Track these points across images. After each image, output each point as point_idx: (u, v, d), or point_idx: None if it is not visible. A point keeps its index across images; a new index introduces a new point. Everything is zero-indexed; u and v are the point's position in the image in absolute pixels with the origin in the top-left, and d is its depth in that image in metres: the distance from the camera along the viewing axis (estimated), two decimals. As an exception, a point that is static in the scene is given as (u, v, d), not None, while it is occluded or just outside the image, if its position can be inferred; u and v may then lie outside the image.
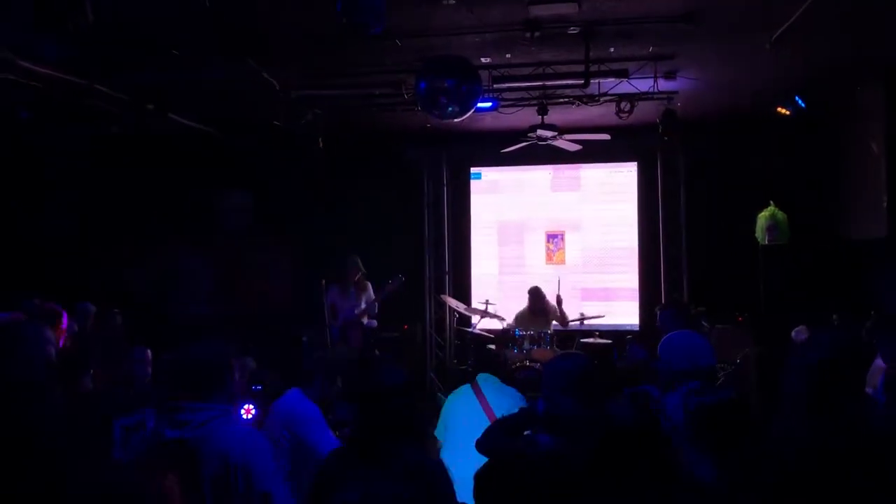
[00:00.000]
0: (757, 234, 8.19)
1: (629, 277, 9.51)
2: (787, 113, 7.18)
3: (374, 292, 8.00)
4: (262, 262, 9.70)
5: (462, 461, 3.20)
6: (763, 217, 8.12)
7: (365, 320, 7.91)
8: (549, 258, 9.70)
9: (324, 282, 7.83)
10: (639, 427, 2.29)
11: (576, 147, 7.81)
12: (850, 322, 5.56)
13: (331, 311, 7.84)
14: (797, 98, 7.05)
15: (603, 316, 8.26)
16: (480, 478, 2.45)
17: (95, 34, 5.38)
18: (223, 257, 9.72)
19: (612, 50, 6.09)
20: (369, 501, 2.38)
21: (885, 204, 7.06)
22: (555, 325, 8.00)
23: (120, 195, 9.34)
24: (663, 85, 6.77)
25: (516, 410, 2.98)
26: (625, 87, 6.79)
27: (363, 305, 7.92)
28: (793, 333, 7.06)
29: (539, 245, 9.74)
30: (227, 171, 9.50)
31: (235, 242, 9.68)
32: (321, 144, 7.65)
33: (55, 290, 5.87)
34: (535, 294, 8.09)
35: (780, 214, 8.05)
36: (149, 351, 5.18)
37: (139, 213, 9.38)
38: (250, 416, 6.67)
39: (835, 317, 5.15)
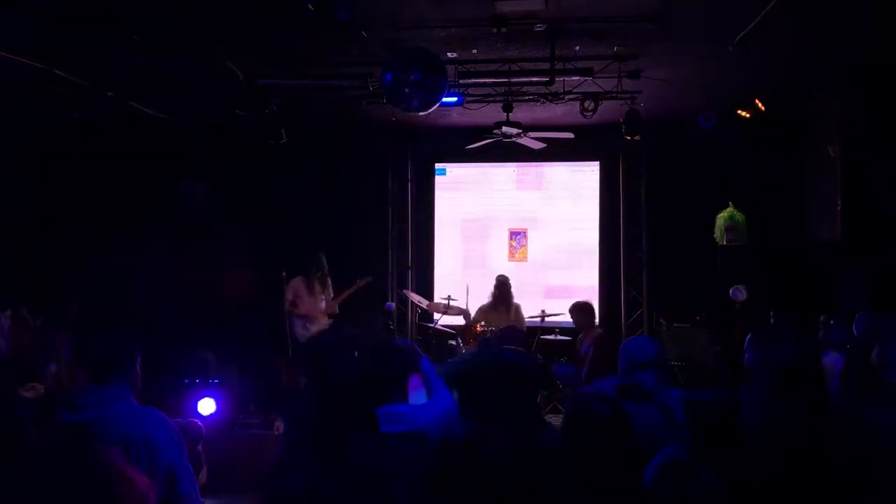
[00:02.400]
0: (716, 235, 8.32)
1: (590, 275, 9.60)
2: (748, 116, 7.31)
3: (335, 290, 7.99)
4: (223, 253, 9.58)
5: None
6: (722, 218, 8.26)
7: (325, 318, 7.91)
8: (512, 255, 9.75)
9: (284, 274, 7.78)
10: (609, 419, 2.30)
11: (540, 145, 7.85)
12: (806, 322, 5.67)
13: (292, 304, 7.81)
14: (757, 102, 7.18)
15: (563, 314, 8.31)
16: (436, 469, 2.44)
17: (54, 18, 5.29)
18: (183, 249, 9.58)
19: (577, 48, 6.13)
20: (315, 490, 2.35)
21: (839, 207, 7.22)
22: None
23: (77, 183, 9.14)
24: (627, 84, 6.83)
25: None
26: (589, 85, 6.84)
27: (323, 303, 7.90)
28: (731, 291, 7.22)
29: (502, 242, 9.79)
30: (188, 162, 9.36)
31: (196, 234, 9.54)
32: (284, 136, 7.56)
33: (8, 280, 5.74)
34: (502, 284, 8.11)
35: (739, 215, 8.20)
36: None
37: (97, 202, 9.20)
38: (209, 412, 6.61)
39: (823, 317, 5.26)
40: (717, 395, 2.60)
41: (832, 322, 5.07)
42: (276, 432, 6.80)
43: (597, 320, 7.26)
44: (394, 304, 7.94)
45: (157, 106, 7.97)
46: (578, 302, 7.13)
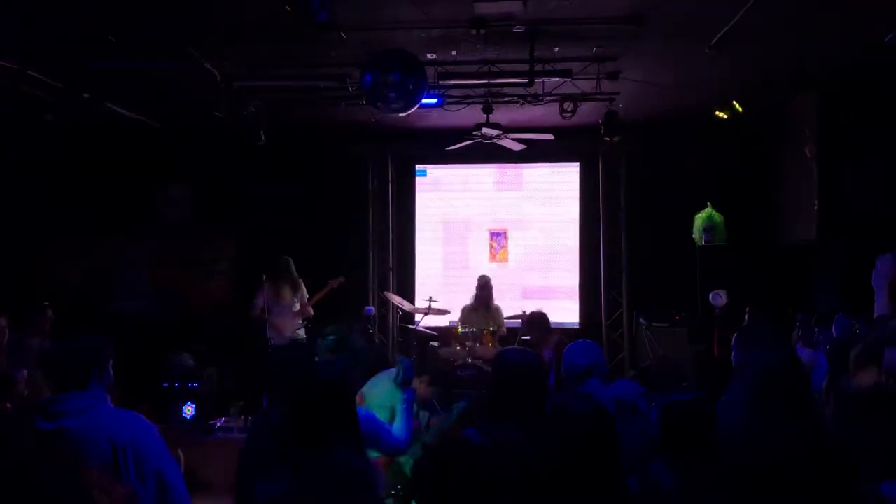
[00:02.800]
0: (694, 235, 8.37)
1: (570, 276, 9.63)
2: (725, 117, 7.37)
3: (312, 292, 7.96)
4: (202, 256, 9.53)
5: None
6: (700, 218, 8.31)
7: (299, 320, 7.89)
8: (493, 256, 9.76)
9: (264, 277, 7.75)
10: (590, 418, 2.30)
11: (520, 146, 7.86)
12: (781, 321, 5.71)
13: (262, 310, 7.75)
14: (734, 103, 7.23)
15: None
16: (420, 469, 2.43)
17: (27, 18, 5.23)
18: (161, 251, 9.51)
19: (556, 50, 6.14)
20: (292, 498, 2.34)
21: (815, 207, 7.29)
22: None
23: (54, 185, 9.06)
24: (606, 86, 6.85)
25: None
26: (569, 87, 6.86)
27: (296, 307, 7.86)
28: (710, 296, 7.26)
29: (483, 243, 9.79)
30: (165, 163, 9.30)
31: (174, 236, 9.48)
32: (263, 137, 7.52)
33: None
34: (484, 284, 8.12)
35: (717, 216, 8.25)
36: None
37: (74, 204, 9.11)
38: (189, 415, 6.55)
39: (800, 316, 5.30)
40: (691, 398, 2.61)
41: (807, 321, 5.11)
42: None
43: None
44: (373, 309, 7.91)
45: (133, 107, 7.89)
46: (532, 315, 6.92)
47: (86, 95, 7.06)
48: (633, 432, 2.94)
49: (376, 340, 8.18)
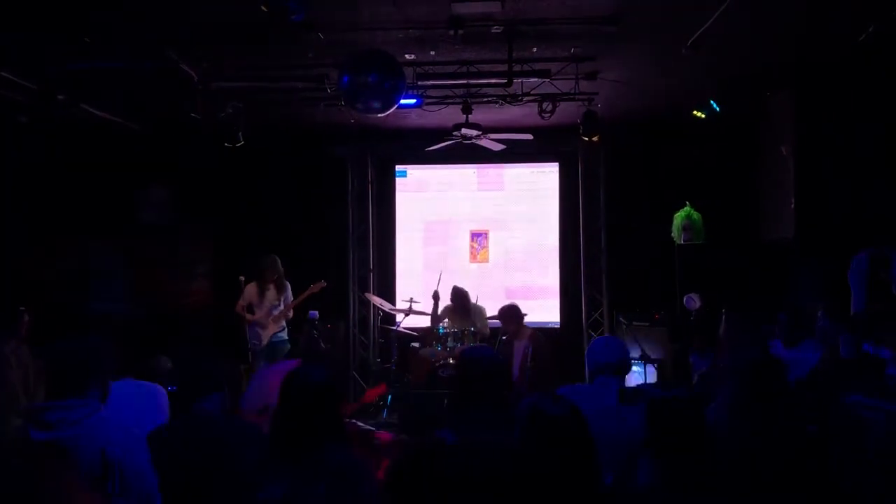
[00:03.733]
0: (673, 234, 8.42)
1: (551, 276, 9.66)
2: (703, 116, 7.42)
3: (292, 293, 7.91)
4: (182, 258, 9.46)
5: None
6: (679, 217, 8.36)
7: (282, 322, 7.84)
8: (474, 257, 9.77)
9: (243, 279, 7.69)
10: (566, 418, 2.31)
11: (499, 147, 7.87)
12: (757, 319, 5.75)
13: (245, 310, 7.70)
14: (712, 102, 7.29)
15: (525, 314, 8.34)
16: (395, 471, 2.43)
17: (1, 19, 5.16)
18: (140, 253, 9.43)
19: (534, 50, 6.16)
20: (292, 500, 2.34)
21: (792, 206, 7.36)
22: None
23: (30, 188, 8.95)
24: (585, 86, 6.88)
25: None
26: (547, 87, 6.88)
27: (281, 306, 7.81)
28: (684, 300, 7.32)
29: (463, 243, 9.80)
30: (143, 165, 9.21)
31: (153, 238, 9.40)
32: (241, 138, 7.47)
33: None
34: (457, 295, 8.10)
35: (696, 215, 8.30)
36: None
37: (51, 206, 9.01)
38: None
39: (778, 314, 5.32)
40: (681, 394, 2.61)
41: (790, 320, 5.14)
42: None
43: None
44: (316, 313, 7.85)
45: (110, 109, 7.82)
46: (504, 308, 7.14)
47: (60, 97, 6.98)
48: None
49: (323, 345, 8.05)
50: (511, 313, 7.09)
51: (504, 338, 7.28)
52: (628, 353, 3.68)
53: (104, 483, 2.53)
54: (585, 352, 3.72)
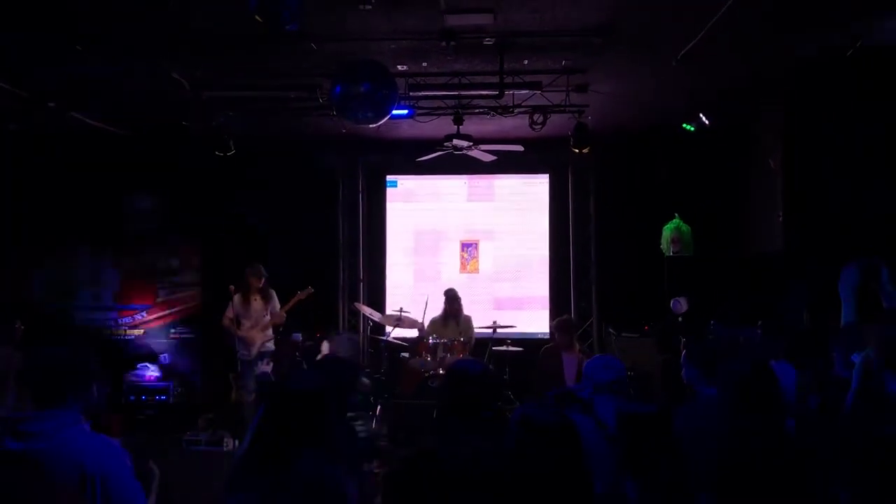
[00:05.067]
0: (662, 246, 8.45)
1: (540, 287, 9.67)
2: (692, 129, 7.47)
3: (280, 303, 7.87)
4: (170, 267, 9.42)
5: None
6: (668, 229, 8.39)
7: (269, 331, 7.80)
8: (464, 267, 9.77)
9: (232, 288, 7.66)
10: (557, 428, 2.31)
11: (490, 157, 7.90)
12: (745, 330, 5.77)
13: (232, 321, 7.64)
14: (701, 115, 7.35)
15: (514, 326, 8.37)
16: (391, 478, 2.43)
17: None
18: (128, 262, 9.39)
19: (526, 62, 6.20)
20: None
21: (780, 219, 7.41)
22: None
23: (19, 196, 8.92)
24: (575, 98, 6.92)
25: None
26: (538, 99, 6.92)
27: (267, 317, 7.76)
28: (671, 303, 7.36)
29: (454, 254, 9.80)
30: (133, 173, 9.18)
31: (141, 247, 9.37)
32: (233, 147, 7.46)
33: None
34: (451, 297, 8.12)
35: (685, 227, 8.34)
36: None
37: (39, 214, 8.98)
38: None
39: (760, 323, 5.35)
40: (651, 409, 2.62)
41: (770, 329, 5.17)
42: (226, 449, 6.69)
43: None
44: (300, 336, 7.75)
45: (101, 117, 7.80)
46: (568, 320, 7.31)
47: (51, 104, 6.96)
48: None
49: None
50: (568, 325, 7.17)
51: (548, 347, 7.26)
52: (625, 372, 3.66)
53: (83, 497, 2.45)
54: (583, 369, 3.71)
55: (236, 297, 7.66)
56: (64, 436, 2.49)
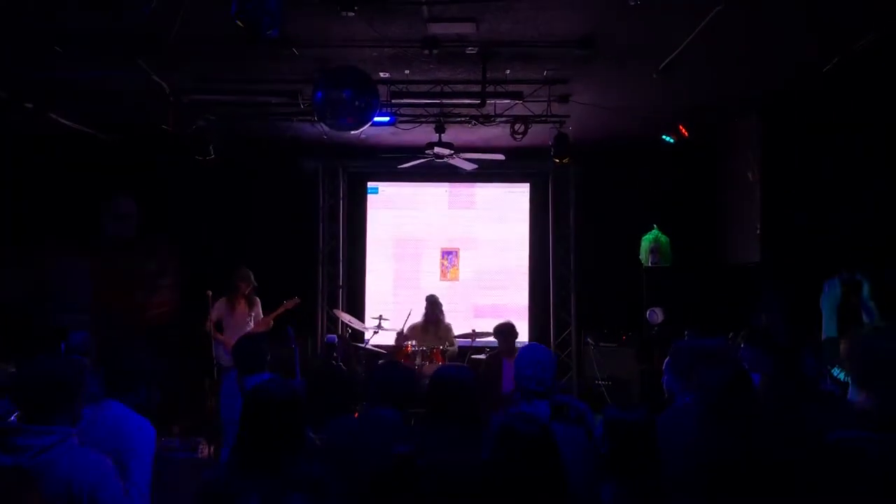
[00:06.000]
0: (641, 256, 8.51)
1: (520, 295, 9.70)
2: (672, 140, 7.53)
3: (263, 310, 7.81)
4: (146, 269, 9.33)
5: None
6: (647, 240, 8.46)
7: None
8: (444, 275, 9.78)
9: (210, 293, 7.59)
10: (537, 437, 2.32)
11: (472, 166, 7.91)
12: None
13: (216, 326, 7.58)
14: (681, 127, 7.41)
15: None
16: (374, 485, 2.43)
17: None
18: (104, 265, 9.28)
19: (508, 72, 6.22)
20: None
21: (758, 230, 7.48)
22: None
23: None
24: (556, 108, 6.96)
25: None
26: (520, 109, 6.94)
27: (251, 324, 7.70)
28: (647, 314, 7.40)
29: (434, 261, 9.81)
30: (111, 176, 9.09)
31: (118, 250, 9.26)
32: (213, 152, 7.41)
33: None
34: (432, 302, 8.11)
35: (663, 237, 8.40)
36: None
37: (13, 215, 8.86)
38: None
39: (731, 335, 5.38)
40: (637, 415, 2.64)
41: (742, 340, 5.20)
42: (201, 456, 6.62)
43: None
44: (336, 337, 7.67)
45: (79, 119, 7.72)
46: (509, 325, 7.09)
47: (29, 106, 6.89)
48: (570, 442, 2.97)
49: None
50: (511, 330, 7.12)
51: (491, 352, 7.25)
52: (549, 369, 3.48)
53: None
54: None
55: (220, 302, 7.59)
56: (54, 452, 2.49)
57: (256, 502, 2.39)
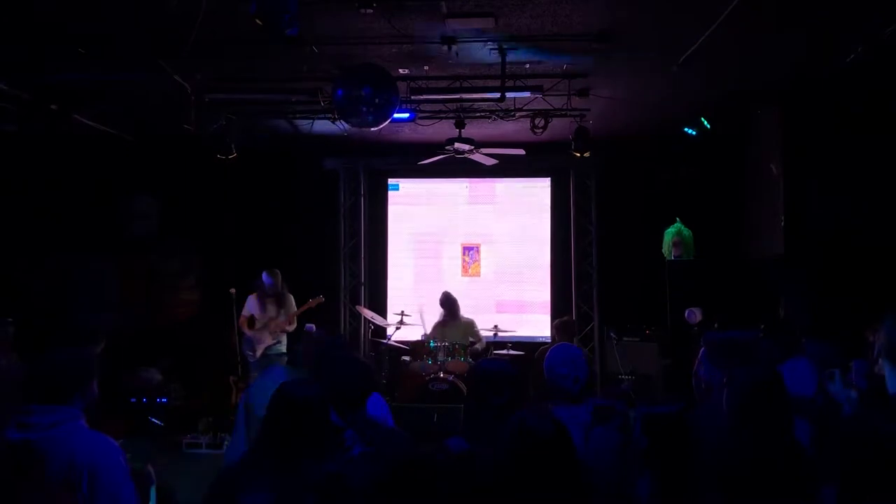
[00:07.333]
0: (663, 250, 8.45)
1: (542, 290, 9.67)
2: (694, 133, 7.47)
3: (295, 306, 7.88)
4: (169, 268, 9.42)
5: None
6: (669, 233, 8.39)
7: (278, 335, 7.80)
8: (465, 270, 9.77)
9: (233, 291, 7.66)
10: (551, 436, 2.31)
11: (492, 161, 7.90)
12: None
13: (247, 322, 7.66)
14: (702, 120, 7.35)
15: (514, 330, 8.36)
16: (385, 483, 2.43)
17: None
18: (128, 265, 9.39)
19: (527, 66, 6.20)
20: None
21: (782, 223, 7.41)
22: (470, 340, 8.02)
23: (17, 197, 8.91)
24: (576, 102, 6.92)
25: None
26: (539, 103, 6.92)
27: (282, 318, 7.77)
28: (685, 314, 7.33)
29: (455, 257, 9.80)
30: (134, 176, 9.19)
31: (142, 249, 9.36)
32: (234, 150, 7.47)
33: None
34: (443, 300, 8.13)
35: (686, 231, 8.34)
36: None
37: (39, 216, 8.97)
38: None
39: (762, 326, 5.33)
40: (673, 408, 2.63)
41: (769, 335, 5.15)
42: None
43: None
44: (313, 326, 7.73)
45: (102, 119, 7.80)
46: (569, 322, 7.20)
47: (53, 107, 6.97)
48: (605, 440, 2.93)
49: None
50: (569, 327, 7.12)
51: (544, 348, 7.25)
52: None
53: (72, 489, 2.55)
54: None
55: (251, 299, 7.69)
56: (60, 429, 2.60)
57: (270, 501, 2.40)
